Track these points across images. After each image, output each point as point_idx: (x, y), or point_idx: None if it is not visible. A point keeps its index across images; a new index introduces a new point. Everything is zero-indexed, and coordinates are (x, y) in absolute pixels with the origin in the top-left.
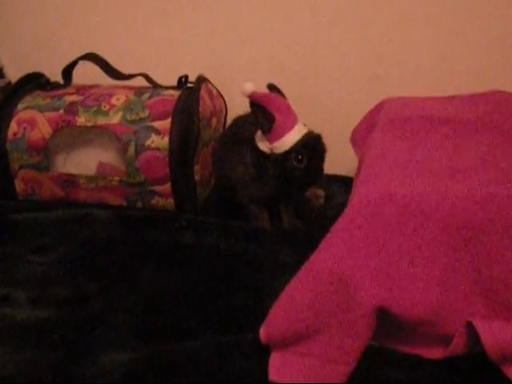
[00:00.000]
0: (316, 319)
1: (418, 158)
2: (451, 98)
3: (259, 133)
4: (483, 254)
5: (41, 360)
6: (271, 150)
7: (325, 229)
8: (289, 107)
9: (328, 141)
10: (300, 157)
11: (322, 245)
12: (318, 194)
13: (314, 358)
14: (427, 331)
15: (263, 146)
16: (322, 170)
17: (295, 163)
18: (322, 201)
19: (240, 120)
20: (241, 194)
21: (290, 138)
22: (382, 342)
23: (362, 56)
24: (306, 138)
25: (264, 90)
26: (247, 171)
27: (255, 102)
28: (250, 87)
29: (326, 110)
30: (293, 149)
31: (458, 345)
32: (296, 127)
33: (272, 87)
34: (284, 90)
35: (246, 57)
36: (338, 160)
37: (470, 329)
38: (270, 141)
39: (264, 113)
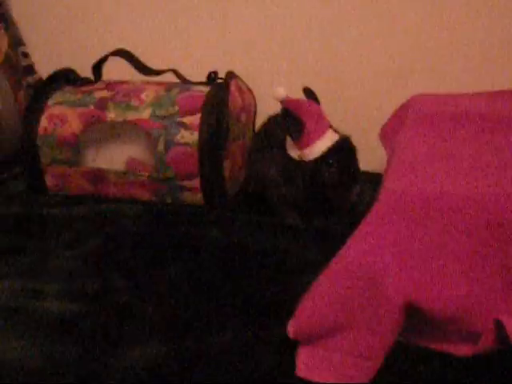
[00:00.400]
0: (344, 314)
1: (447, 154)
2: (480, 95)
3: (289, 138)
4: (511, 250)
5: (69, 353)
6: (300, 156)
7: (354, 226)
8: (320, 114)
9: (358, 138)
10: (331, 161)
11: (351, 240)
12: (353, 190)
13: (342, 353)
14: (455, 328)
15: (293, 152)
16: (356, 170)
17: (327, 169)
18: (355, 197)
19: (272, 121)
20: (271, 194)
21: (320, 146)
22: (410, 338)
23: (389, 53)
24: (335, 143)
25: (294, 87)
26: (277, 174)
27: (286, 107)
28: (281, 92)
29: (356, 107)
30: (323, 156)
31: (486, 342)
32: (327, 134)
33: (307, 91)
34: (313, 88)
35: (276, 53)
36: (369, 157)
37: (499, 326)
38: (300, 147)
39: (294, 119)
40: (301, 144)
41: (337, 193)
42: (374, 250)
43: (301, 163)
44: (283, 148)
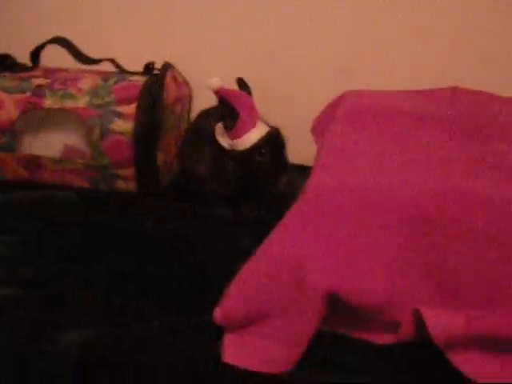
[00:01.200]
0: (269, 301)
1: (375, 149)
2: (411, 93)
3: (219, 127)
4: (436, 246)
5: (2, 336)
6: (232, 146)
7: (283, 216)
8: (253, 106)
9: (293, 130)
10: (263, 151)
11: (276, 230)
12: (282, 179)
13: (267, 339)
14: (378, 318)
15: (224, 141)
16: (285, 160)
17: (259, 158)
18: (282, 187)
19: (204, 115)
20: (201, 188)
21: (252, 136)
22: (335, 327)
23: (331, 48)
24: (266, 134)
25: (229, 79)
26: (206, 170)
27: (221, 97)
28: (216, 82)
29: (292, 100)
30: (255, 146)
31: (406, 331)
32: (258, 125)
33: (241, 82)
34: (250, 80)
35: (214, 44)
36: (302, 149)
37: (418, 316)
38: (232, 137)
39: (229, 109)
40: (234, 134)
41: (266, 182)
42: (297, 241)
43: (232, 153)
44: (214, 142)
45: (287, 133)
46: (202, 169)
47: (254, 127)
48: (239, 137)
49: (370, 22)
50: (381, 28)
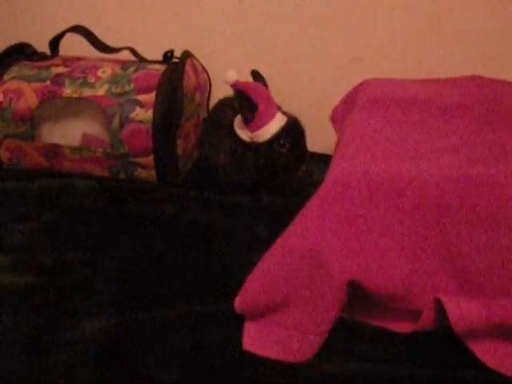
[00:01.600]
0: (289, 291)
1: (395, 138)
2: (431, 81)
3: (238, 121)
4: (453, 233)
5: (21, 324)
6: (252, 138)
7: (302, 205)
8: (270, 97)
9: (310, 119)
10: (282, 142)
11: (296, 220)
12: (301, 168)
13: (287, 328)
14: (397, 306)
15: (243, 134)
16: (304, 149)
17: (279, 149)
18: (301, 175)
19: (223, 104)
20: (220, 178)
21: (271, 128)
22: (354, 315)
23: (344, 38)
24: (285, 125)
25: (247, 70)
26: (226, 159)
27: (238, 91)
28: (232, 76)
29: (308, 89)
30: (275, 137)
31: (427, 320)
32: (277, 116)
33: (255, 74)
34: (265, 70)
35: (231, 34)
36: (320, 138)
37: (438, 305)
38: (252, 129)
39: (247, 102)
40: (253, 126)
41: (286, 171)
42: (317, 231)
43: (252, 145)
44: (233, 133)
45: (305, 121)
46: (222, 159)
47: (273, 118)
48: (259, 129)
49: (385, 9)
50: (394, 17)
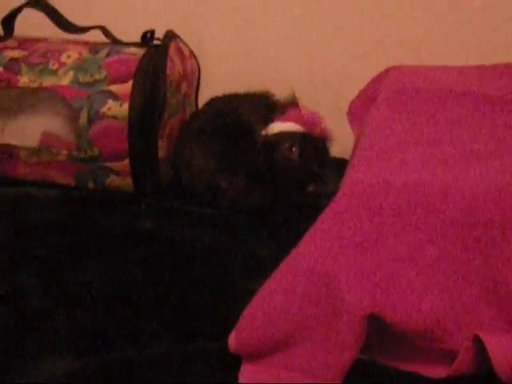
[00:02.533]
0: (296, 326)
1: (425, 138)
2: (470, 68)
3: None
4: (497, 255)
5: None
6: (266, 132)
7: (312, 221)
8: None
9: (322, 114)
10: (293, 146)
11: (306, 238)
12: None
13: (293, 371)
14: (428, 345)
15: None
16: (317, 171)
17: (286, 152)
18: (306, 195)
19: (218, 103)
20: (207, 189)
21: (289, 125)
22: (375, 356)
23: (364, 17)
24: (306, 135)
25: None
26: (215, 166)
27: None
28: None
29: (320, 79)
30: (287, 136)
31: (464, 362)
32: (299, 126)
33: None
34: (266, 54)
35: (226, 9)
36: (334, 138)
37: (478, 344)
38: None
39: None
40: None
41: (288, 180)
42: (331, 252)
43: (262, 140)
44: (248, 134)
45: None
46: (210, 163)
47: (294, 122)
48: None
49: None
50: None
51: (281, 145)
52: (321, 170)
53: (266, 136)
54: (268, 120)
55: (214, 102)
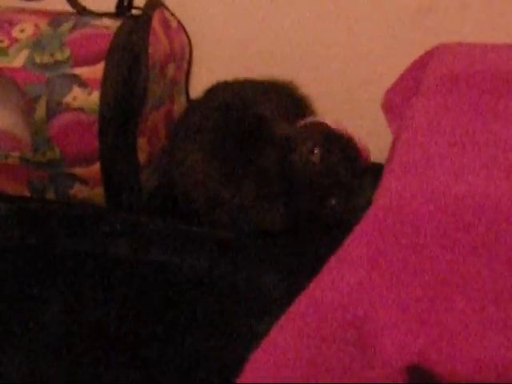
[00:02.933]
0: (317, 377)
1: (483, 137)
2: None
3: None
4: None
5: None
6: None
7: (336, 241)
8: None
9: (348, 110)
10: (314, 147)
11: (329, 266)
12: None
13: None
14: None
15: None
16: (344, 179)
17: (307, 154)
18: (328, 208)
19: (223, 91)
20: (203, 201)
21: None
22: None
23: None
24: (331, 133)
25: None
26: (215, 172)
27: None
28: None
29: (347, 63)
30: (305, 131)
31: None
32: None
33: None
34: (276, 34)
35: None
36: (366, 138)
37: None
38: None
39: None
40: None
41: (309, 189)
42: (362, 284)
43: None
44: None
45: (342, 110)
46: (207, 168)
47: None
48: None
49: None
50: None
51: (299, 144)
52: (349, 177)
53: (280, 133)
54: (291, 118)
55: (216, 90)
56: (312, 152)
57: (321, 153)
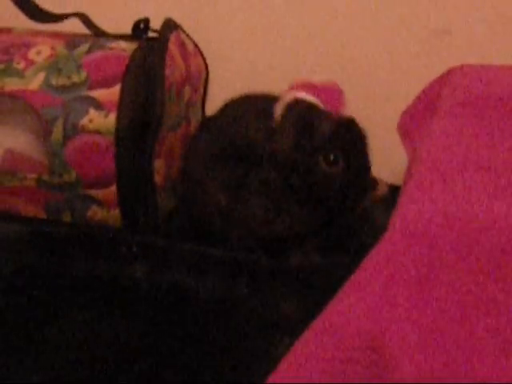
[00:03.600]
0: None
1: (502, 160)
2: None
3: None
4: None
5: None
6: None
7: (353, 264)
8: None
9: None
10: (333, 156)
11: (346, 289)
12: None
13: None
14: None
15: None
16: (368, 169)
17: (327, 168)
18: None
19: (238, 107)
20: (217, 224)
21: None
22: None
23: (421, 4)
24: (339, 124)
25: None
26: (226, 197)
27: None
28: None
29: (362, 84)
30: (321, 132)
31: None
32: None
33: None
34: (292, 52)
35: None
36: (380, 160)
37: None
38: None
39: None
40: None
41: (341, 207)
42: (379, 308)
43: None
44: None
45: None
46: (220, 194)
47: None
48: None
49: None
50: None
51: (316, 153)
52: (368, 163)
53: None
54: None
55: (229, 106)
56: (335, 162)
57: (343, 162)
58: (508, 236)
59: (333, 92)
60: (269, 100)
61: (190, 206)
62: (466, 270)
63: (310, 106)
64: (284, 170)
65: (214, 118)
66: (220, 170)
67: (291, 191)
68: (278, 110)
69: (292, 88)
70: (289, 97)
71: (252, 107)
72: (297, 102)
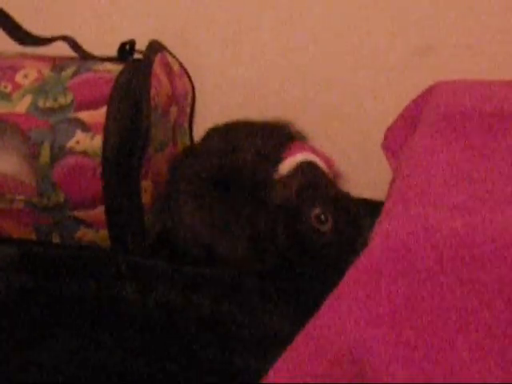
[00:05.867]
0: None
1: (482, 175)
2: None
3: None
4: None
5: None
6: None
7: (335, 279)
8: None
9: (350, 147)
10: (323, 216)
11: (327, 304)
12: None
13: None
14: None
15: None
16: (357, 233)
17: (317, 225)
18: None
19: (219, 134)
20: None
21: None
22: None
23: (404, 21)
24: (335, 194)
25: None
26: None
27: None
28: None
29: (345, 102)
30: (311, 190)
31: None
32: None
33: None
34: (276, 71)
35: (225, 13)
36: (363, 176)
37: None
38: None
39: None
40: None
41: (319, 259)
42: (360, 323)
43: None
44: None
45: (340, 151)
46: (204, 234)
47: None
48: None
49: None
50: None
51: (305, 211)
52: (356, 237)
53: (281, 188)
54: (278, 159)
55: (213, 133)
56: (323, 220)
57: (332, 220)
58: (488, 249)
59: (329, 161)
60: (255, 127)
61: (174, 235)
62: (446, 283)
63: (318, 169)
64: (278, 213)
65: (198, 145)
66: (204, 203)
67: (275, 236)
68: (286, 166)
69: (294, 149)
70: (299, 157)
71: (238, 135)
72: (308, 163)
